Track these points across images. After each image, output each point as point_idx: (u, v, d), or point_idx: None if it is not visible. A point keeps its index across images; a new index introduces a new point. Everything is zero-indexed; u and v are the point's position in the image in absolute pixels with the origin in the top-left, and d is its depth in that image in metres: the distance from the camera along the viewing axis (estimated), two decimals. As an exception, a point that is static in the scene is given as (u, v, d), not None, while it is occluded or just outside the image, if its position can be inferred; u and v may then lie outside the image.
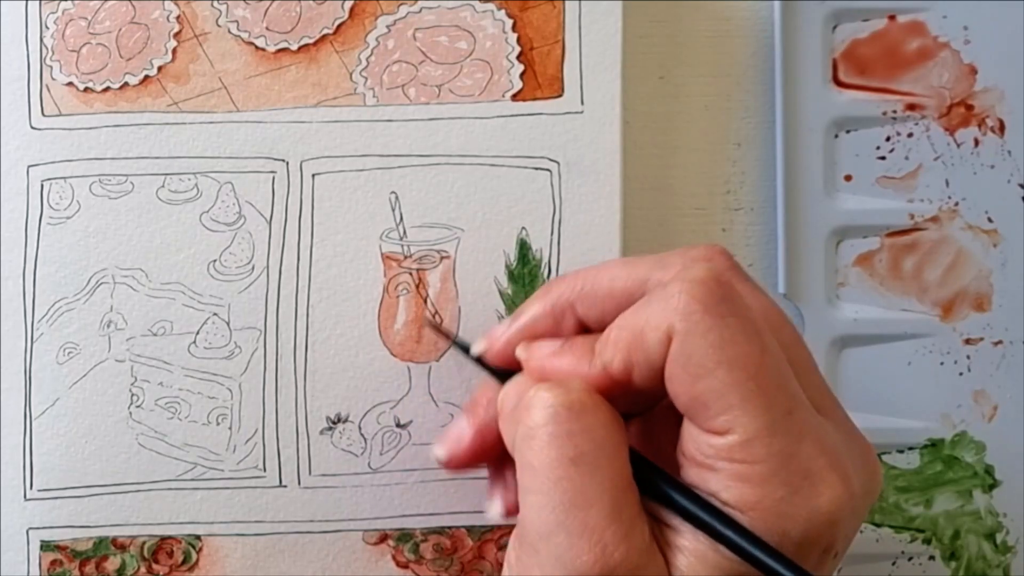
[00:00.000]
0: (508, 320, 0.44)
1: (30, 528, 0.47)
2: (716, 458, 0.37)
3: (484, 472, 0.45)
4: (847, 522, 0.38)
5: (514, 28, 0.49)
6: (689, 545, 0.38)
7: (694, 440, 0.38)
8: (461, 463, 0.44)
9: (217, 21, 0.48)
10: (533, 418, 0.39)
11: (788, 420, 0.37)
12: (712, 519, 0.37)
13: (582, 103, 0.49)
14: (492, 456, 0.44)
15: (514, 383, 0.42)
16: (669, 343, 0.38)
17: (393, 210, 0.48)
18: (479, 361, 0.44)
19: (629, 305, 0.40)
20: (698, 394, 0.37)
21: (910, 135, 0.52)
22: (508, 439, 0.41)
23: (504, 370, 0.43)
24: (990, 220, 0.52)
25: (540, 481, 0.38)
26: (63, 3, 0.48)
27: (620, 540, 0.37)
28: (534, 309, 0.43)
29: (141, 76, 0.48)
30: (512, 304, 0.48)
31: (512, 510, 0.43)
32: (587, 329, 0.43)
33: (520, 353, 0.42)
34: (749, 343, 0.37)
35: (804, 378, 0.39)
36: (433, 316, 0.48)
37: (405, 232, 0.48)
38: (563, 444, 0.38)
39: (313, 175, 0.48)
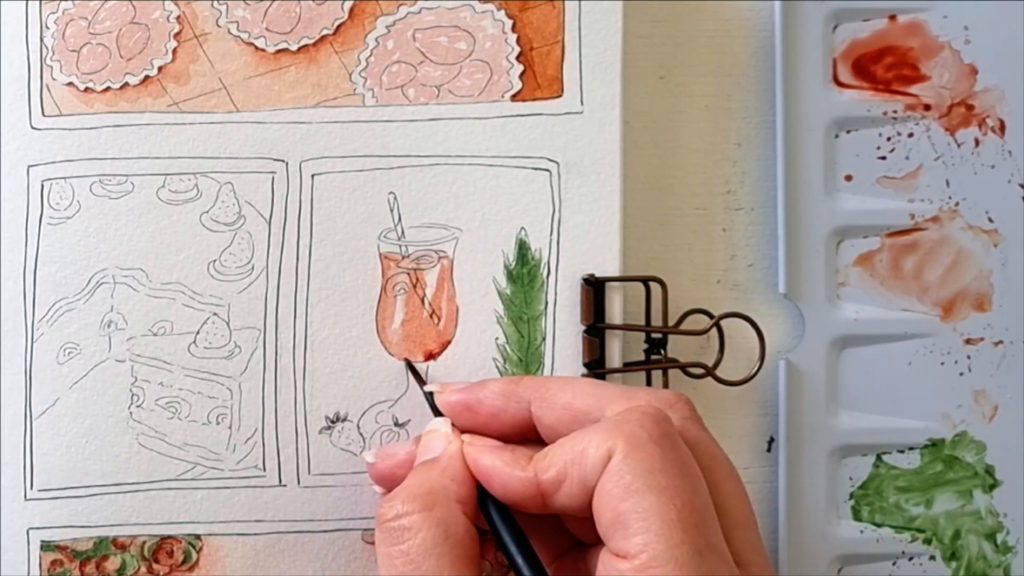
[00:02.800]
0: (466, 385, 0.46)
1: (30, 528, 0.47)
2: None
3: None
4: None
5: (514, 28, 0.49)
6: None
7: (606, 567, 0.39)
8: (380, 473, 0.46)
9: (217, 21, 0.48)
10: (377, 536, 0.42)
11: (698, 559, 0.38)
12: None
13: (582, 103, 0.49)
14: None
15: (434, 436, 0.44)
16: (607, 462, 0.39)
17: (392, 210, 0.48)
18: (428, 395, 0.46)
19: (583, 422, 0.42)
20: (622, 512, 0.38)
21: (910, 135, 0.52)
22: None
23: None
24: (990, 220, 0.52)
25: None
26: (63, 3, 0.48)
27: None
28: (494, 388, 0.45)
29: (141, 76, 0.48)
30: (511, 304, 0.49)
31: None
32: (533, 432, 0.44)
33: (467, 437, 0.44)
34: (682, 478, 0.39)
35: (738, 531, 0.41)
36: (431, 315, 0.49)
37: (403, 232, 0.48)
38: (396, 565, 0.41)
39: (312, 175, 0.48)
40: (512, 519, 0.42)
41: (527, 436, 0.44)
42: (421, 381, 0.48)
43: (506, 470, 0.42)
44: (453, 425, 0.45)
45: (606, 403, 0.43)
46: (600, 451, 0.39)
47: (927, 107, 0.52)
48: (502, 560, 0.42)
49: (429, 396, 0.46)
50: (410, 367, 0.48)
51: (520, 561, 0.41)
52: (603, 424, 0.41)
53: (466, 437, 0.44)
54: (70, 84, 0.48)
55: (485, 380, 0.46)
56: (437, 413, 0.46)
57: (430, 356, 0.48)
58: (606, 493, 0.39)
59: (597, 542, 0.41)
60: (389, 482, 0.46)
